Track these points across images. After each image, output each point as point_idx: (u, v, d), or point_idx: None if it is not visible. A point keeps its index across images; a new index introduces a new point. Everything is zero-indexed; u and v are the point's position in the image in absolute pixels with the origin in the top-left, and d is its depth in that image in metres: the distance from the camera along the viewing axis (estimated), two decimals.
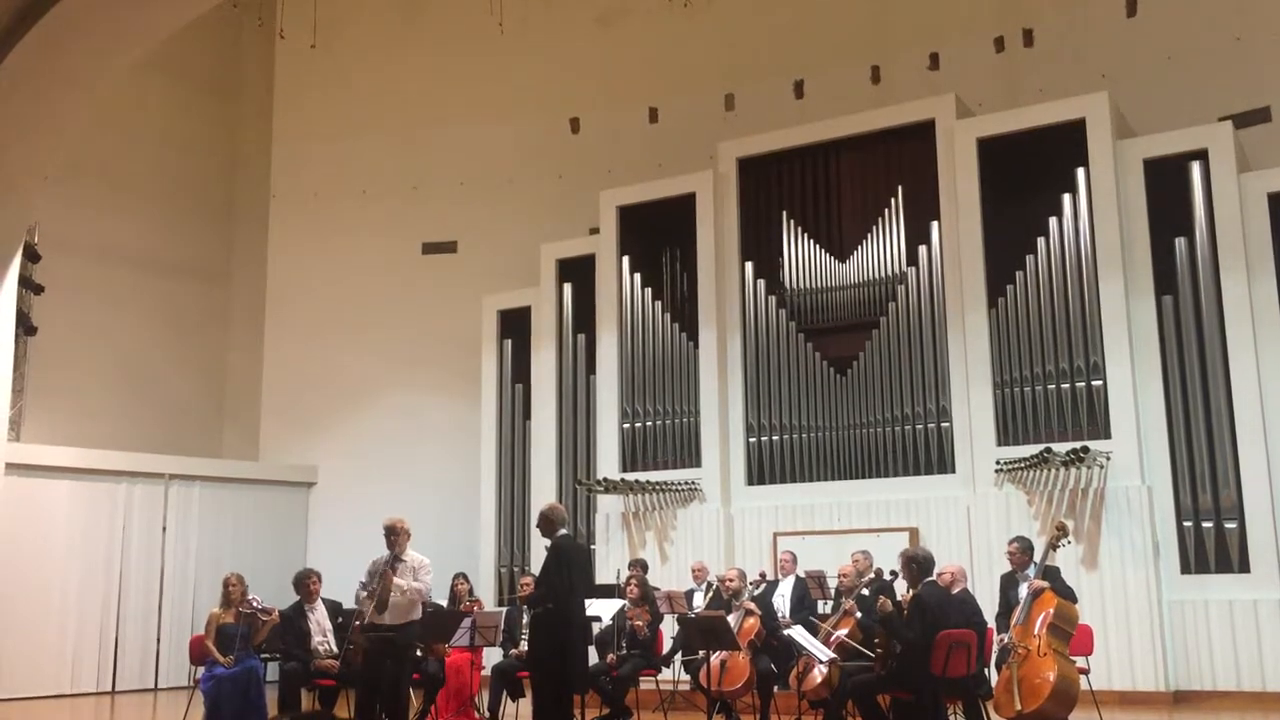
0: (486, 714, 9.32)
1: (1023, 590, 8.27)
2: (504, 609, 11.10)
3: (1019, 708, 7.86)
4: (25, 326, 13.28)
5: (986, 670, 7.96)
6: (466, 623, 9.57)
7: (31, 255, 13.34)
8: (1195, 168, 10.95)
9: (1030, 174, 11.51)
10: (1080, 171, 11.20)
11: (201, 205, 16.53)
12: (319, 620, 9.22)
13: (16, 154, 10.36)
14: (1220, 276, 10.70)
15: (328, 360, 16.03)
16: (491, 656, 10.24)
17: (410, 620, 8.34)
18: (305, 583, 9.27)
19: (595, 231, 13.94)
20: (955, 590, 8.06)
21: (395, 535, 8.49)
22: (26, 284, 13.23)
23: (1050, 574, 8.18)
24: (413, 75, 16.56)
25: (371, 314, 16.00)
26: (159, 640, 13.75)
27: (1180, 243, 10.93)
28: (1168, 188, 11.06)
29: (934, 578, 7.55)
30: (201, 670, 8.95)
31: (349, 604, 9.30)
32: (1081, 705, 8.18)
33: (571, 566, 7.68)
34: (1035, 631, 8.02)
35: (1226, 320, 10.63)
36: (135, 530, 13.79)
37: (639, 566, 10.71)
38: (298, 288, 16.45)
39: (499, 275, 14.91)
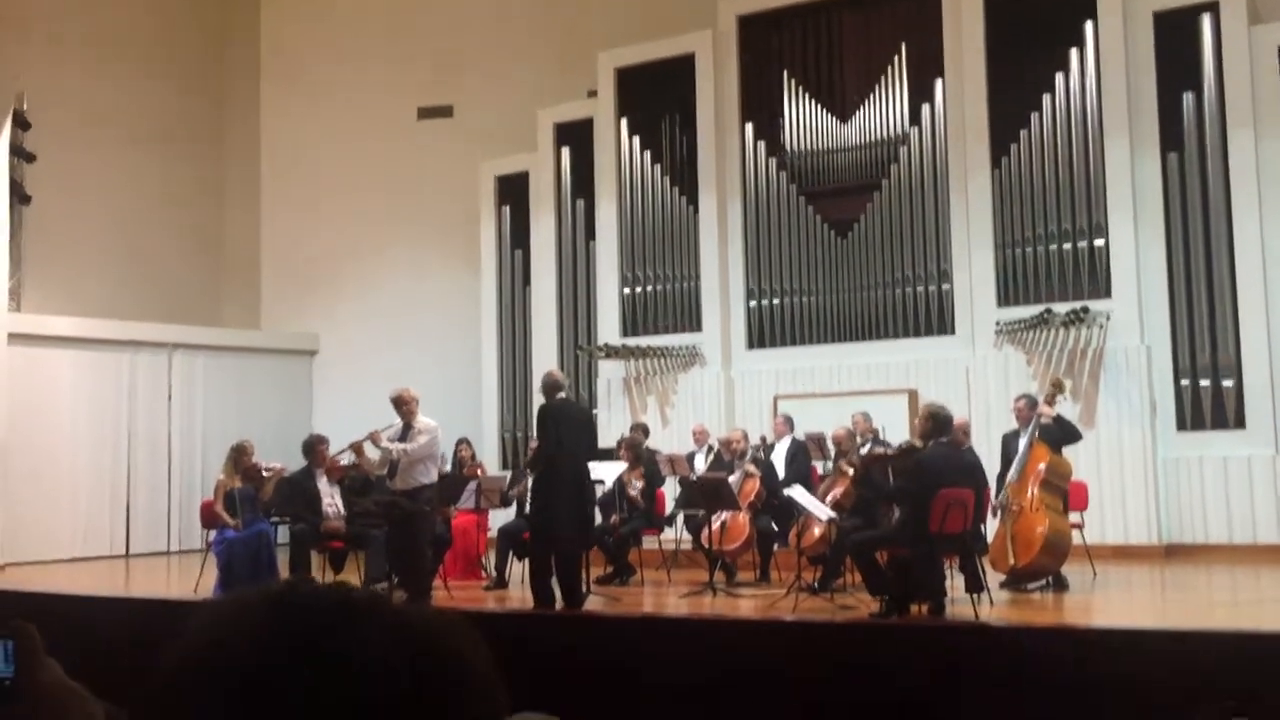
0: (493, 574, 9.53)
1: (1021, 443, 8.39)
2: (508, 473, 11.29)
3: (1012, 562, 8.05)
4: (19, 195, 13.17)
5: (983, 527, 8.11)
6: (471, 486, 9.74)
7: (21, 123, 13.16)
8: (1205, 20, 10.69)
9: (1037, 28, 11.24)
10: (1088, 24, 10.95)
11: (192, 70, 16.20)
12: (325, 485, 9.36)
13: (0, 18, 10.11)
14: (1227, 132, 10.55)
15: (325, 227, 15.93)
16: (497, 519, 10.43)
17: (420, 485, 8.45)
18: (316, 448, 9.37)
19: (593, 94, 13.69)
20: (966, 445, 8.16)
21: (404, 405, 8.57)
22: (18, 152, 13.07)
23: (1051, 425, 8.30)
24: None
25: (368, 180, 15.83)
26: (169, 505, 14.00)
27: (1188, 98, 10.75)
28: (1177, 41, 10.83)
29: (948, 438, 7.58)
30: (214, 534, 9.14)
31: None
32: (1075, 558, 8.38)
33: (559, 426, 7.78)
34: (1029, 488, 8.16)
35: (1232, 177, 10.51)
36: (141, 399, 13.91)
37: (639, 430, 10.81)
38: (292, 154, 16.25)
39: (496, 140, 14.68)
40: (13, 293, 13.03)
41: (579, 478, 7.86)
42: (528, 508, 9.30)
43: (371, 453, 8.69)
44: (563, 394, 8.10)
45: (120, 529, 13.58)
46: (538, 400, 8.80)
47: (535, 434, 8.17)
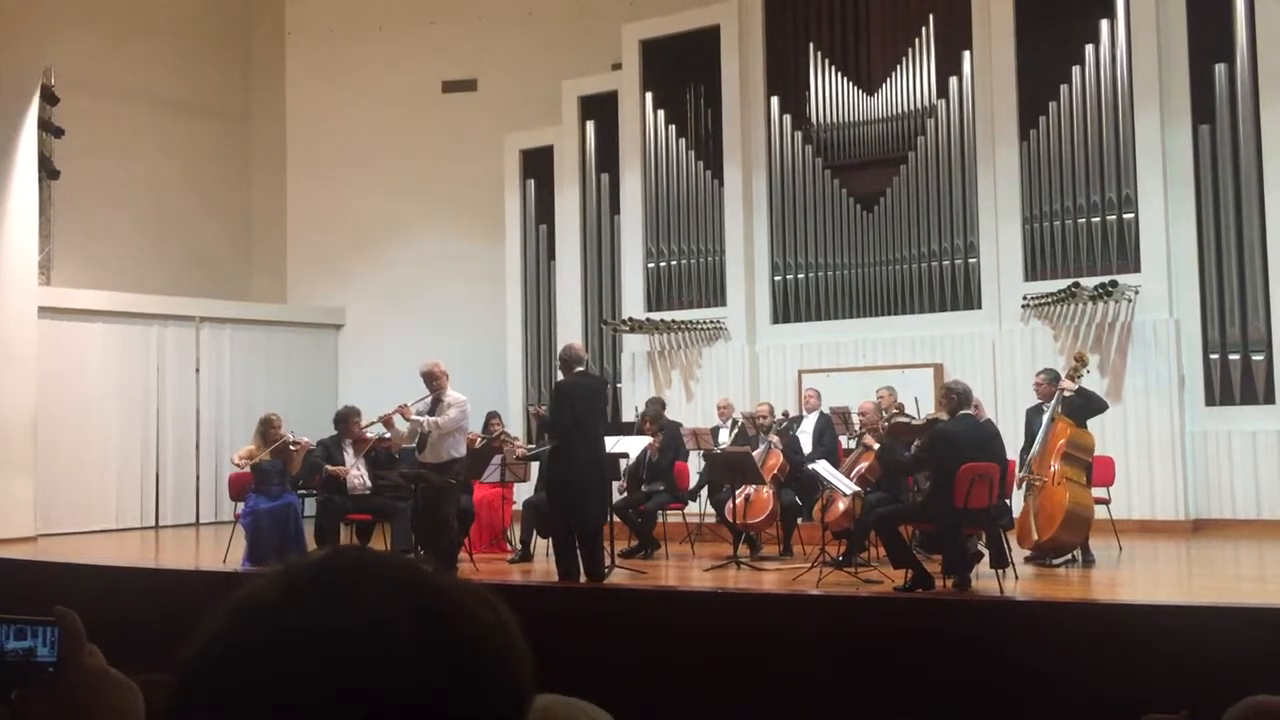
0: (518, 547, 9.59)
1: (1044, 418, 8.36)
2: (533, 446, 11.32)
3: (1036, 537, 8.04)
4: (48, 170, 13.25)
5: (1008, 502, 8.09)
6: (496, 460, 9.79)
7: (49, 98, 13.21)
8: None
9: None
10: None
11: (217, 43, 16.23)
12: (351, 456, 9.41)
13: None
14: (1260, 104, 10.42)
15: (351, 201, 15.94)
16: (522, 492, 10.48)
17: (450, 459, 8.51)
18: (349, 420, 9.40)
19: (618, 67, 13.64)
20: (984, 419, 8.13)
21: (434, 379, 8.62)
22: (46, 127, 13.13)
23: (1074, 397, 8.25)
24: None
25: (393, 154, 15.82)
26: (198, 478, 14.12)
27: (1220, 69, 10.61)
28: (1209, 11, 10.68)
29: (971, 410, 7.61)
30: (242, 506, 9.23)
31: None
32: (1101, 533, 8.35)
33: (575, 403, 7.70)
34: (1051, 462, 8.14)
35: (1264, 150, 10.39)
36: (169, 372, 14.01)
37: (656, 403, 10.75)
38: (317, 128, 16.25)
39: (520, 113, 14.65)
40: (42, 267, 13.14)
41: (596, 455, 7.75)
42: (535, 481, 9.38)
43: (400, 425, 8.74)
44: (581, 368, 8.03)
45: (150, 501, 13.72)
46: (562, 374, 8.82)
47: (549, 410, 8.16)
